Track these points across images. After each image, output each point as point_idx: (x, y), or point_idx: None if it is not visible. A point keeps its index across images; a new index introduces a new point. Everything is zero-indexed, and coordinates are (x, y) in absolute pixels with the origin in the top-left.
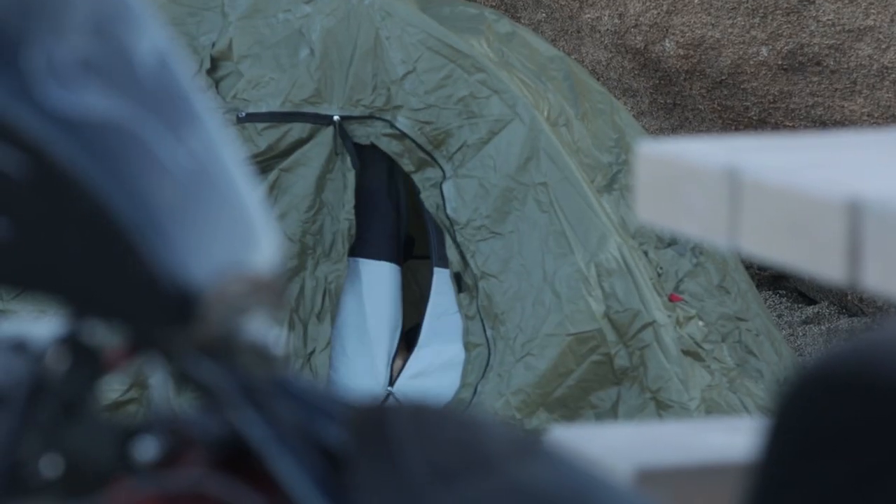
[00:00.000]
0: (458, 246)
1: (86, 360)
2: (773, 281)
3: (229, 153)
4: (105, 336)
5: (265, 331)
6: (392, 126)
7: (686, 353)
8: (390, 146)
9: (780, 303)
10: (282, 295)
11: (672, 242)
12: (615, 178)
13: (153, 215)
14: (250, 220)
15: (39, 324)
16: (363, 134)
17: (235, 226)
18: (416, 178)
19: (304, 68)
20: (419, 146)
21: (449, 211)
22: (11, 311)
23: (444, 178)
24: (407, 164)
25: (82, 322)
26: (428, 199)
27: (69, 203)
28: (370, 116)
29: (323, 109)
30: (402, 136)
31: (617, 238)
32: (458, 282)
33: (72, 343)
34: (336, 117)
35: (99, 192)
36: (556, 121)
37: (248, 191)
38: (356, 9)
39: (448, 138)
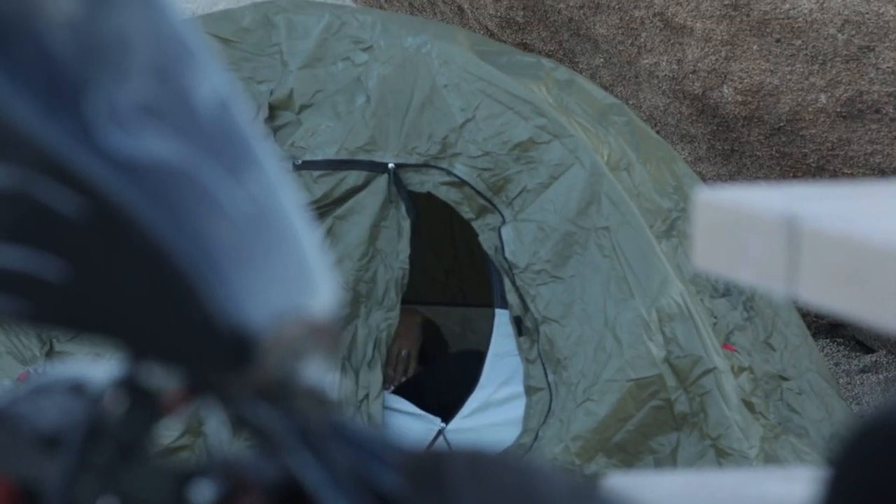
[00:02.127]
0: (517, 289)
1: (143, 403)
2: (830, 329)
3: (288, 197)
4: (162, 379)
5: (321, 375)
6: (449, 174)
7: (743, 402)
8: (449, 194)
9: (838, 351)
10: (338, 339)
11: (726, 293)
12: (674, 224)
13: (211, 258)
14: (308, 264)
15: (97, 366)
16: (418, 182)
17: (293, 269)
18: (476, 224)
19: (360, 116)
20: (478, 192)
21: (507, 254)
22: (68, 352)
23: (504, 222)
24: (467, 212)
25: (140, 365)
26: (486, 241)
27: (128, 246)
28: (425, 165)
29: (378, 157)
30: (462, 183)
31: (678, 283)
32: (519, 325)
33: (129, 386)
34: (391, 165)
35: (157, 235)
36: (616, 165)
37: (307, 235)
38: (413, 57)
39: (507, 184)
